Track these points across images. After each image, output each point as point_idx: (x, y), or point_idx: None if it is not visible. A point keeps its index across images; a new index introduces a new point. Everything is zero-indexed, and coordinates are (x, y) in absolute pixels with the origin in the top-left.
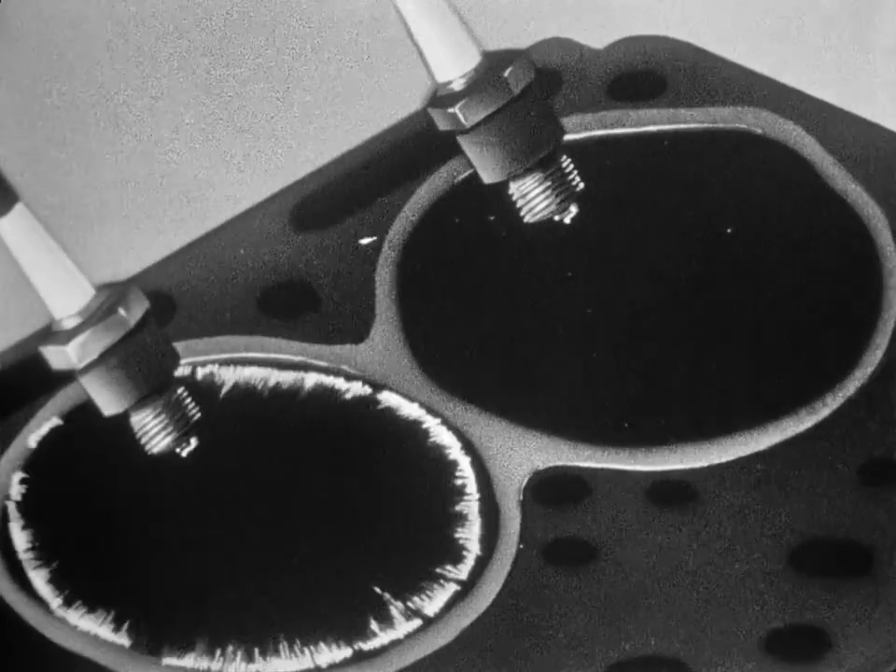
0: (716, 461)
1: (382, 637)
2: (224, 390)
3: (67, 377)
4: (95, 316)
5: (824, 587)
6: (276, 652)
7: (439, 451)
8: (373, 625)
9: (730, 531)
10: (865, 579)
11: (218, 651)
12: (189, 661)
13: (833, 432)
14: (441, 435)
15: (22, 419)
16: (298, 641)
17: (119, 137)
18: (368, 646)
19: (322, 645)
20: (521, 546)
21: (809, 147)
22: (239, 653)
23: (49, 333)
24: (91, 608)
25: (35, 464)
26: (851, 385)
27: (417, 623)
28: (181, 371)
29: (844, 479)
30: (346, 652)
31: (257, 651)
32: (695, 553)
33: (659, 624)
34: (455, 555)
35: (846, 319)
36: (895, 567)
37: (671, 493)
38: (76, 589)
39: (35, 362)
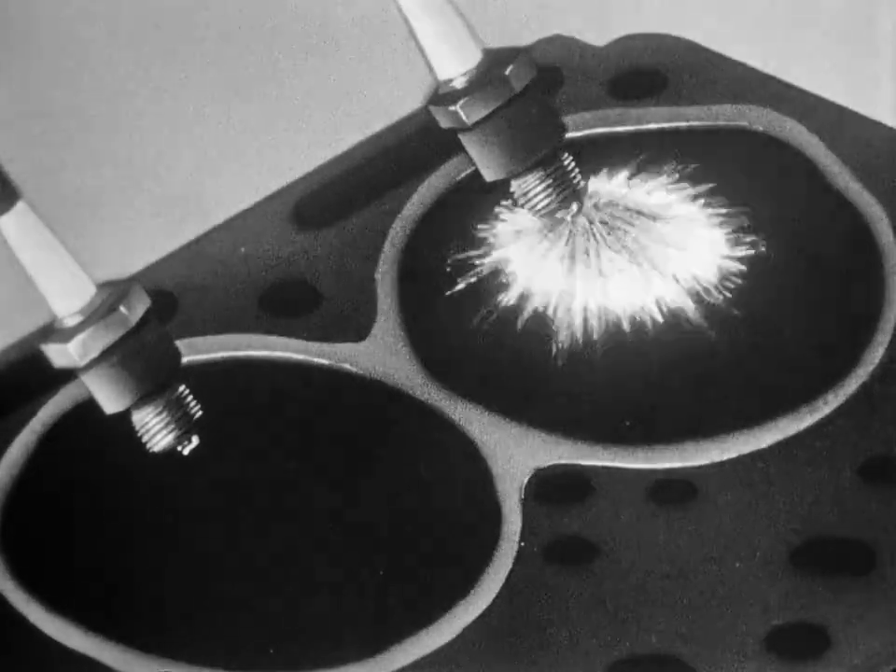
0: (717, 459)
1: (383, 635)
2: (225, 388)
3: (69, 375)
4: (97, 314)
5: (825, 585)
6: (282, 650)
7: (439, 449)
8: (375, 623)
9: (731, 529)
10: (866, 577)
11: (221, 649)
12: (190, 658)
13: (833, 430)
14: (441, 433)
15: (24, 417)
16: (301, 640)
17: (121, 136)
18: (369, 644)
19: (329, 642)
20: (522, 545)
21: (811, 144)
22: (241, 650)
23: (51, 331)
24: (93, 606)
25: (37, 462)
26: (852, 384)
27: (418, 620)
28: (183, 369)
29: (845, 477)
30: (349, 651)
31: (256, 650)
32: (696, 552)
33: (660, 623)
34: (456, 553)
35: (847, 317)
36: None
37: (672, 491)
38: (79, 588)
39: (37, 360)
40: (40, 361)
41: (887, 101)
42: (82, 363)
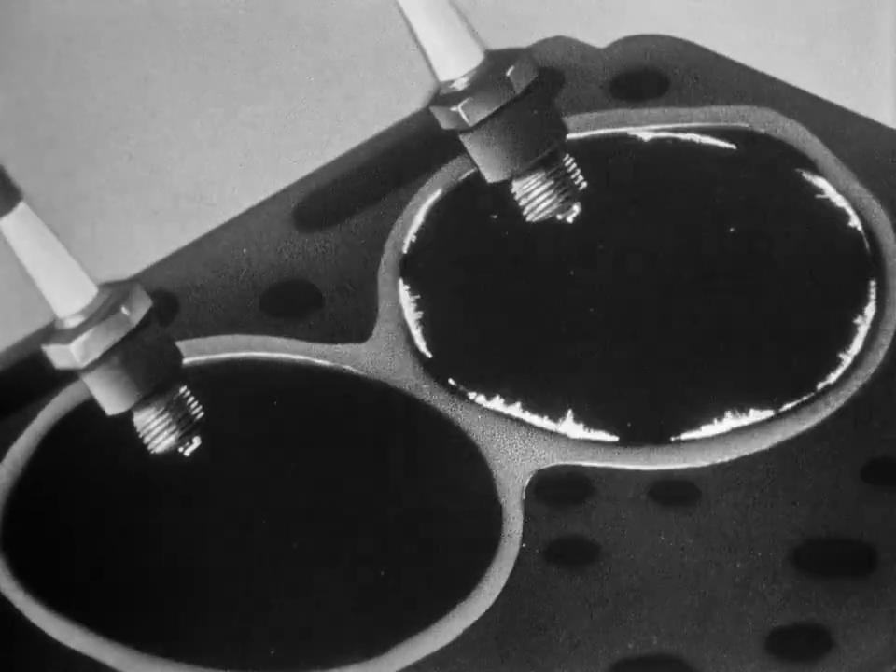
0: (718, 460)
1: (384, 636)
2: (227, 389)
3: (70, 376)
4: (98, 315)
5: (826, 586)
6: (283, 651)
7: (440, 450)
8: (376, 624)
9: (732, 530)
10: (867, 578)
11: (222, 650)
12: (191, 659)
13: (835, 432)
14: (442, 434)
15: (26, 418)
16: (302, 641)
17: (122, 137)
18: (370, 645)
19: (329, 643)
20: (523, 545)
21: (812, 145)
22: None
23: (52, 332)
24: (94, 607)
25: (38, 463)
26: (854, 385)
27: (419, 622)
28: (184, 370)
29: (846, 478)
30: (350, 652)
31: (257, 650)
32: (698, 553)
33: (661, 624)
34: (457, 554)
35: (849, 322)
36: None
37: (673, 492)
38: (80, 588)
39: (38, 361)
40: (41, 362)
41: (888, 102)
42: (83, 364)
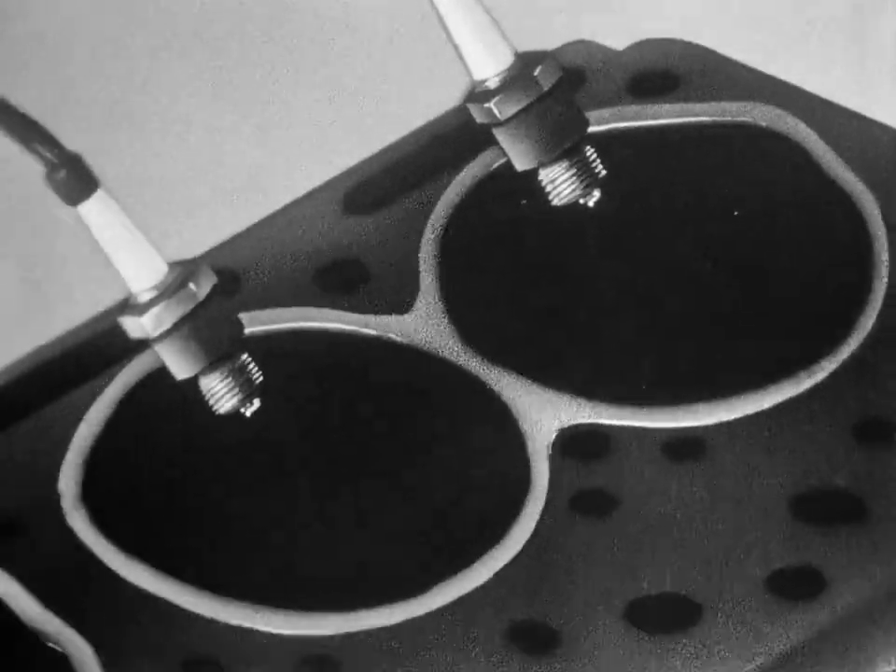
0: (724, 419)
1: (427, 577)
2: (284, 356)
3: (143, 345)
4: (168, 290)
5: (821, 533)
6: (338, 591)
7: (474, 410)
8: (420, 566)
9: (736, 482)
10: (858, 525)
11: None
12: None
13: (829, 394)
14: (476, 396)
15: (104, 383)
16: (355, 582)
17: (187, 133)
18: (415, 584)
19: (376, 585)
20: (549, 497)
21: (809, 138)
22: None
23: (127, 306)
24: (166, 552)
25: (115, 422)
26: (845, 351)
27: (457, 564)
28: (245, 339)
29: (839, 436)
30: (397, 591)
31: (303, 602)
32: (706, 502)
33: (673, 566)
34: (491, 504)
35: (841, 295)
36: (885, 514)
37: (684, 448)
38: (151, 536)
39: (115, 332)
40: (118, 333)
41: (888, 102)
42: (155, 334)
